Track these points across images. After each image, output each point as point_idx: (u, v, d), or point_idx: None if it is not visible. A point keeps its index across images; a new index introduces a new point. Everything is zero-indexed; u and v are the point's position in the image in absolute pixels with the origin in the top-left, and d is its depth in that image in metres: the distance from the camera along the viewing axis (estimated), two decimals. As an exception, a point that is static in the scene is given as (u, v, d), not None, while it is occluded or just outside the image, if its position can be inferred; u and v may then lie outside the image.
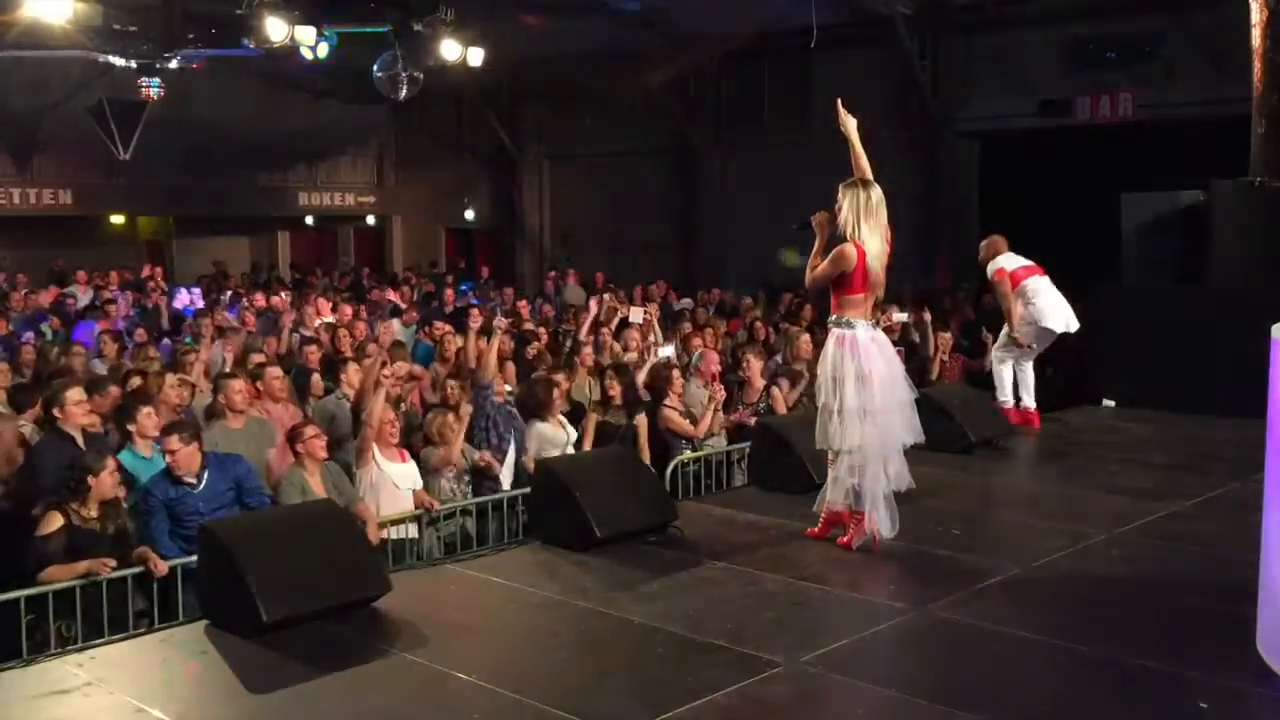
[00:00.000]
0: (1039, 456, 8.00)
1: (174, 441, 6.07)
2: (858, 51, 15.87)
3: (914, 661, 4.53)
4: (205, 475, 6.13)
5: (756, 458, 7.48)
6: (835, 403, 5.65)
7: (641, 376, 8.72)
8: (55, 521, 5.58)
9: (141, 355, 9.55)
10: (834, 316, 5.74)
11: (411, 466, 7.02)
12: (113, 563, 5.42)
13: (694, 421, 8.36)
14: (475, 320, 9.81)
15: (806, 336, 10.00)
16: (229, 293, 15.35)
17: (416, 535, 6.76)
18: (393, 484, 6.80)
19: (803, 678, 4.33)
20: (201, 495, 6.06)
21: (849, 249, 5.61)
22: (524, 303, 13.96)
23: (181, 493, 6.04)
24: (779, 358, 10.07)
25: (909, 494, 6.07)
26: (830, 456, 5.89)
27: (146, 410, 6.77)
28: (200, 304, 14.50)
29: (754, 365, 9.21)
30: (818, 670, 4.39)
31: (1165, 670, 4.33)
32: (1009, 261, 8.64)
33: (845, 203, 5.69)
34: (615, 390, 8.52)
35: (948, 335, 10.60)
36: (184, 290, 15.67)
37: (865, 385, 5.59)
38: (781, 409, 8.83)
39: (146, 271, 17.05)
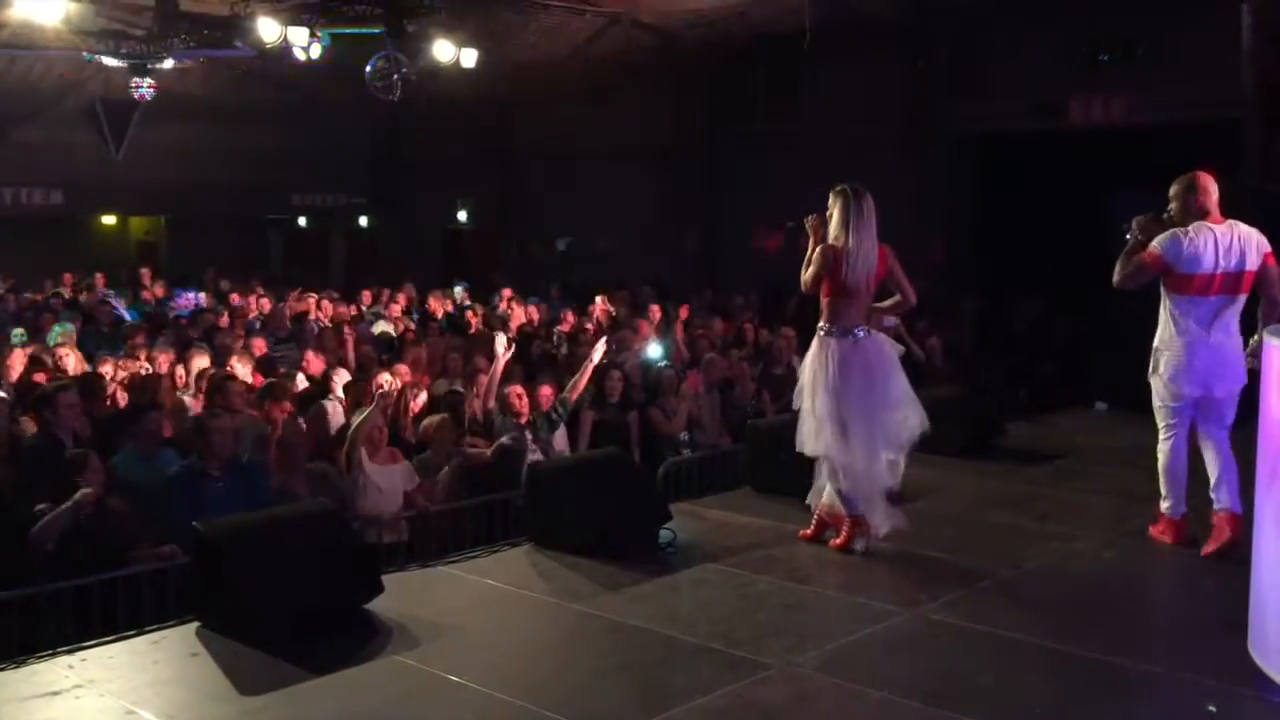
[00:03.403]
0: (1032, 459, 8.00)
1: (220, 422, 6.32)
2: (851, 53, 15.86)
3: (907, 663, 4.52)
4: (228, 473, 6.25)
5: (750, 459, 7.48)
6: (810, 406, 5.74)
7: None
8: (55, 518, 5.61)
9: (138, 355, 9.57)
10: (821, 322, 5.79)
11: (402, 468, 7.01)
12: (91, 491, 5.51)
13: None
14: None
15: (782, 342, 10.01)
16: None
17: (408, 538, 6.76)
18: (378, 487, 6.79)
19: (796, 679, 4.33)
20: (221, 491, 6.14)
21: (828, 251, 5.65)
22: (529, 306, 13.88)
23: (204, 485, 6.15)
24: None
25: (902, 496, 6.08)
26: (819, 461, 5.92)
27: (153, 415, 6.81)
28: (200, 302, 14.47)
29: (745, 368, 9.27)
30: (811, 672, 4.39)
31: (1159, 673, 4.34)
32: (1199, 252, 5.46)
33: (835, 208, 5.71)
34: (615, 389, 8.59)
35: (934, 340, 10.58)
36: (187, 293, 15.60)
37: (838, 394, 5.63)
38: (771, 411, 8.90)
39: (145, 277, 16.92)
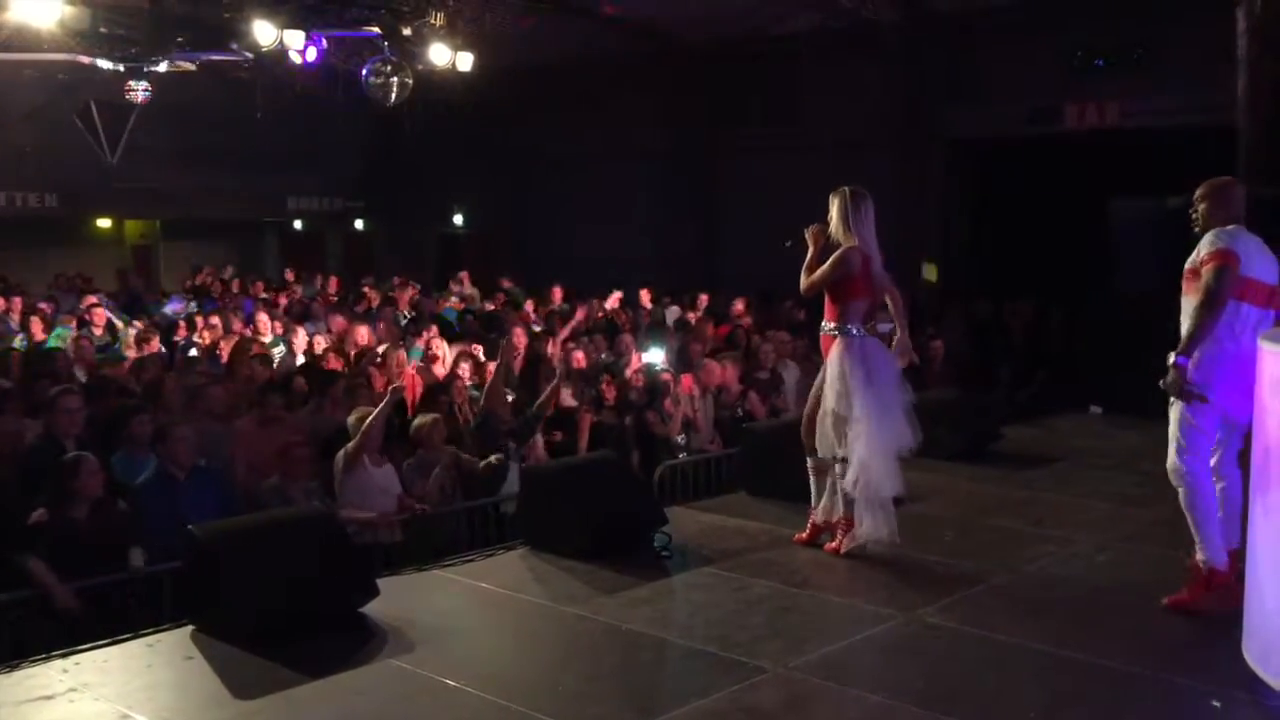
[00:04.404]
0: (1028, 463, 8.01)
1: (180, 430, 6.37)
2: (846, 58, 15.90)
3: (902, 667, 4.52)
4: (191, 476, 6.30)
5: (745, 463, 7.48)
6: (846, 408, 5.62)
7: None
8: (43, 518, 5.61)
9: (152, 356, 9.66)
10: (834, 325, 5.72)
11: (389, 470, 6.99)
12: (74, 603, 5.40)
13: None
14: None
15: (767, 346, 10.00)
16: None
17: (402, 539, 6.75)
18: (379, 488, 6.80)
19: (791, 683, 4.33)
20: (190, 494, 6.18)
21: (853, 253, 5.61)
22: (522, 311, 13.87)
23: (174, 488, 6.18)
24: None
25: (897, 500, 6.08)
26: (812, 464, 5.89)
27: (141, 418, 6.81)
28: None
29: (730, 370, 9.29)
30: (806, 675, 4.39)
31: (1153, 676, 4.34)
32: (1250, 255, 4.81)
33: (834, 208, 5.70)
34: (608, 392, 8.60)
35: (939, 343, 10.59)
36: (178, 301, 15.60)
37: (872, 390, 5.59)
38: (760, 414, 8.92)
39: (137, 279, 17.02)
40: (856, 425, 5.59)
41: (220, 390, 7.73)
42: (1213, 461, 4.92)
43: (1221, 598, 4.74)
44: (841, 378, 5.64)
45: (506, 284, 16.89)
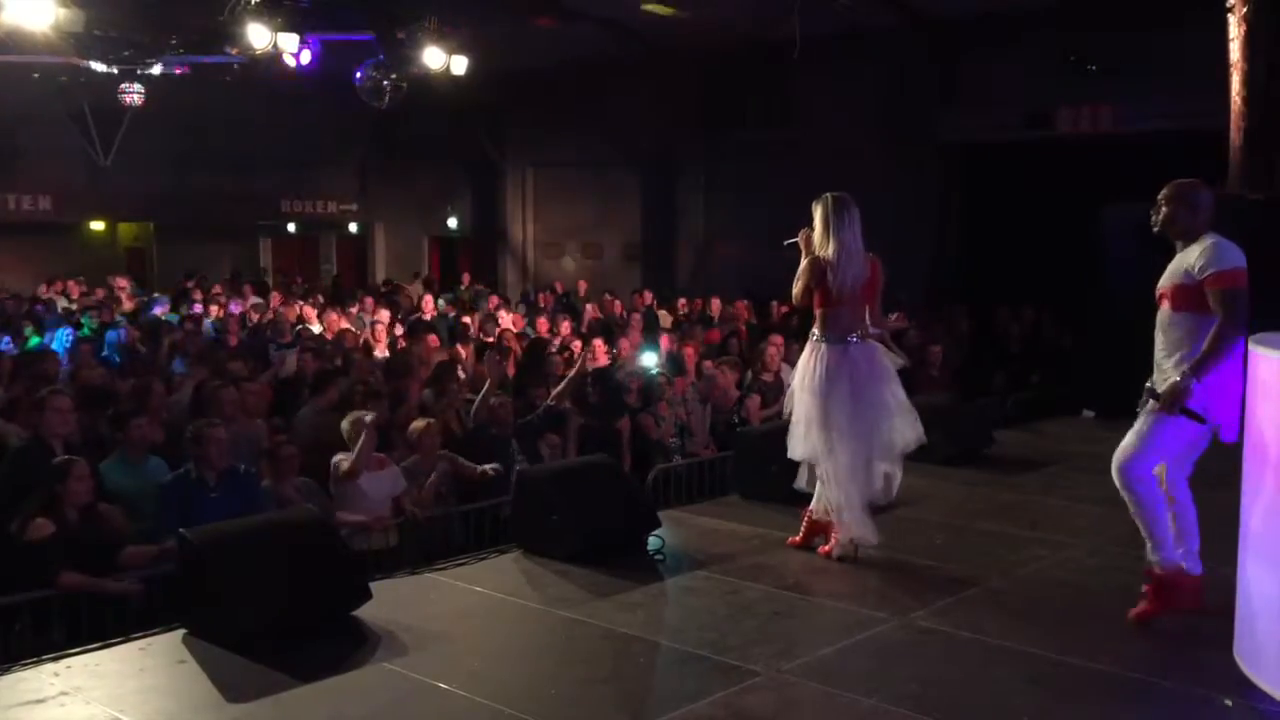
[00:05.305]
0: (1020, 467, 8.03)
1: (218, 431, 6.25)
2: (841, 63, 15.94)
3: (895, 671, 4.52)
4: (224, 485, 6.20)
5: (738, 467, 7.49)
6: (800, 413, 5.76)
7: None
8: (46, 529, 5.53)
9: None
10: (813, 331, 5.81)
11: (390, 473, 6.97)
12: (138, 588, 5.43)
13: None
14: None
15: (772, 349, 10.03)
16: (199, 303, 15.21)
17: (397, 543, 6.73)
18: (366, 493, 6.75)
19: (783, 687, 4.34)
20: (215, 503, 6.07)
21: (813, 263, 5.68)
22: (507, 313, 13.92)
23: (197, 497, 6.09)
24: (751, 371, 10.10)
25: (890, 503, 6.09)
26: (816, 467, 5.92)
27: (137, 422, 6.77)
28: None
29: (727, 375, 9.31)
30: (798, 679, 4.39)
31: (1145, 680, 4.35)
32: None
33: (817, 216, 5.73)
34: (594, 394, 8.64)
35: (938, 348, 10.60)
36: (163, 303, 15.57)
37: (824, 398, 5.63)
38: (756, 419, 8.92)
39: (123, 283, 16.97)
40: (821, 433, 5.65)
41: (232, 392, 7.72)
42: (1163, 475, 4.82)
43: (1181, 597, 4.76)
44: (803, 386, 5.74)
45: (479, 286, 16.94)
